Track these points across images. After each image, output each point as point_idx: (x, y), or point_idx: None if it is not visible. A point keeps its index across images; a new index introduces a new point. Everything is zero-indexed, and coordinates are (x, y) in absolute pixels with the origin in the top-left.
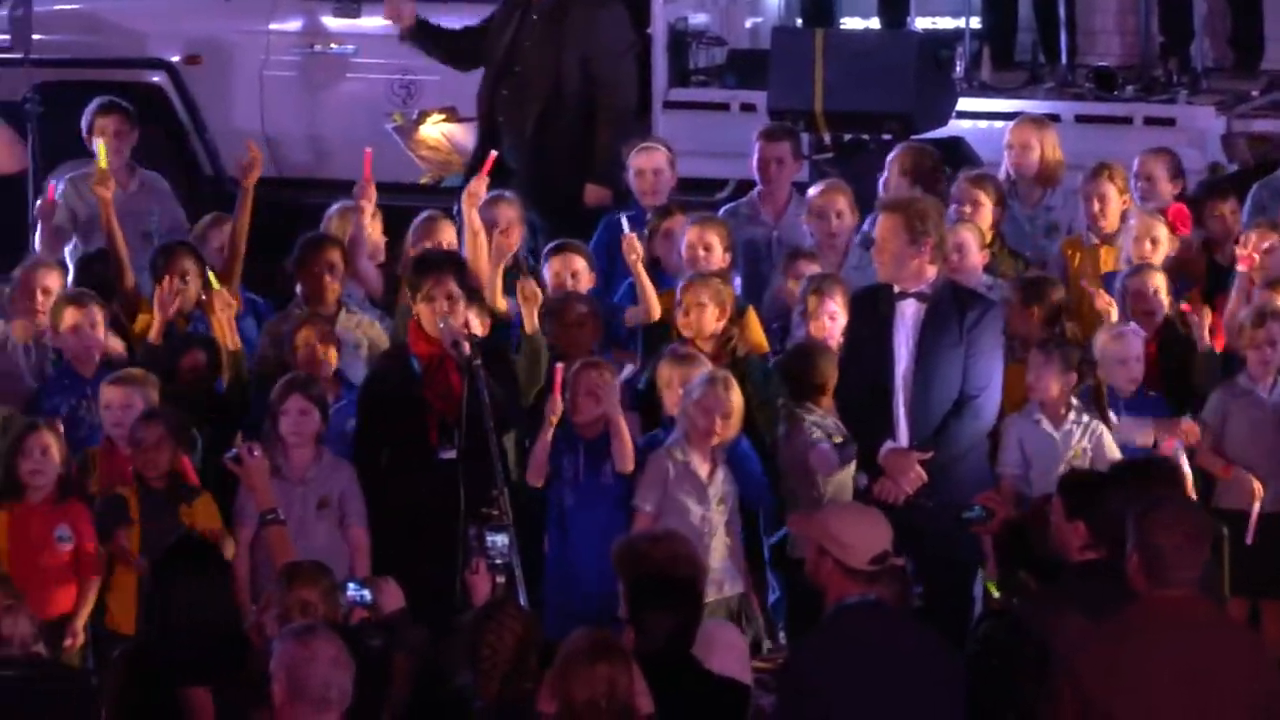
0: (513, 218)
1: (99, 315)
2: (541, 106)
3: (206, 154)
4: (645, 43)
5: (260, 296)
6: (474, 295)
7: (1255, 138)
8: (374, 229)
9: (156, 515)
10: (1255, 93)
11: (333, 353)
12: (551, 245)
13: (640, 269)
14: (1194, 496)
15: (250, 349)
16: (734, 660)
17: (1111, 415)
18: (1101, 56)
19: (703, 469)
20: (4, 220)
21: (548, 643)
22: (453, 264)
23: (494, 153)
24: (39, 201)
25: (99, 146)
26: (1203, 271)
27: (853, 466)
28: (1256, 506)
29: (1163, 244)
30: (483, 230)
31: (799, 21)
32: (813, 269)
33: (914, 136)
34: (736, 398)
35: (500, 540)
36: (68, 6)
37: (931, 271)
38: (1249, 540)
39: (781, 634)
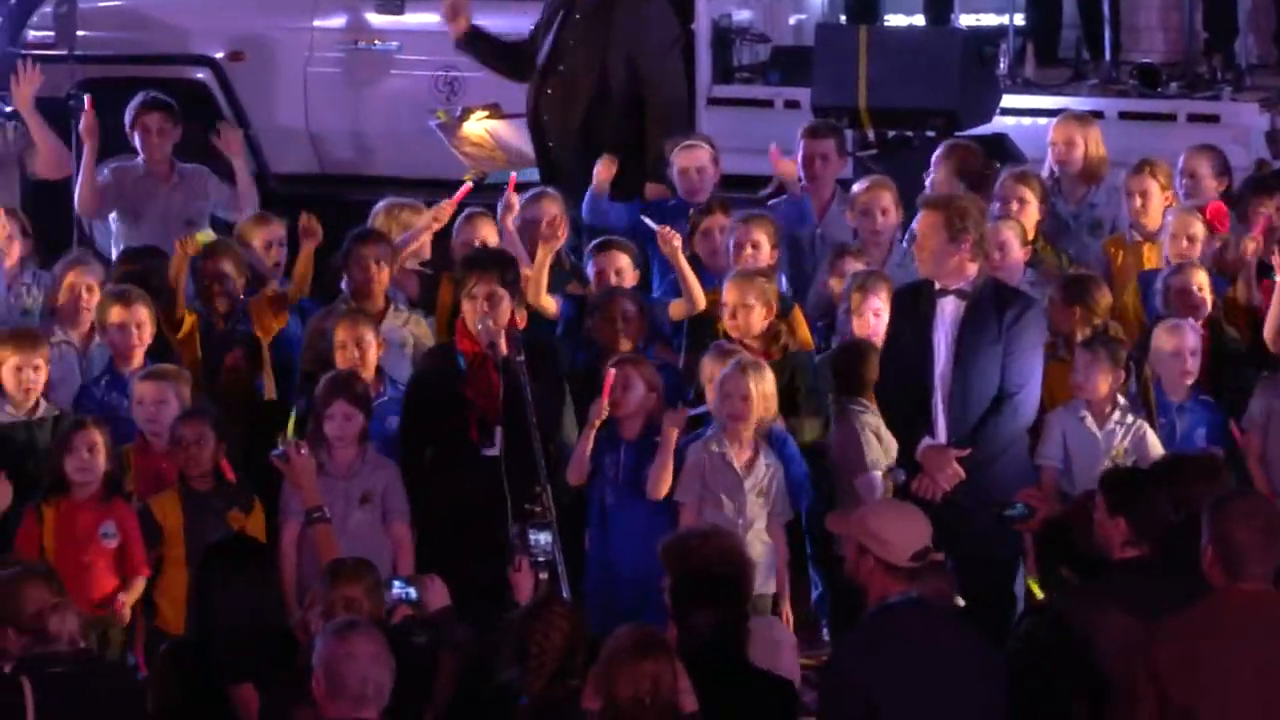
0: (556, 213)
1: (145, 313)
2: (587, 105)
3: (250, 150)
4: (689, 39)
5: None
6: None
7: None
8: (424, 242)
9: (200, 515)
10: None
11: (373, 349)
12: (595, 242)
13: (681, 259)
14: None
15: (294, 347)
16: (785, 658)
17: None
18: (1145, 53)
19: (740, 459)
20: (50, 224)
21: (592, 640)
22: (497, 263)
23: (514, 175)
24: (82, 118)
25: (198, 236)
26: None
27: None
28: None
29: (1199, 242)
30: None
31: (843, 18)
32: (857, 266)
33: (958, 133)
34: (761, 383)
35: (543, 537)
36: (112, 3)
37: (972, 269)
38: None
39: (825, 631)
